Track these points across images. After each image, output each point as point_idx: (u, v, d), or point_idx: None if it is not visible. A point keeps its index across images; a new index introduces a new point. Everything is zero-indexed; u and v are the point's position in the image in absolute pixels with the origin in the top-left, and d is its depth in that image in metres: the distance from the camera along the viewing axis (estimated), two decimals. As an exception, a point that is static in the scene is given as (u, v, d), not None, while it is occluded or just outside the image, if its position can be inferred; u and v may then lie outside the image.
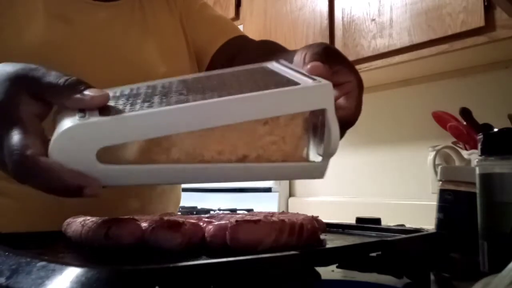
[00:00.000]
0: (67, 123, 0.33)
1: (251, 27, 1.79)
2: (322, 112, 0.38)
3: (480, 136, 0.50)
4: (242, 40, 0.80)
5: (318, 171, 0.41)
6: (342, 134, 0.41)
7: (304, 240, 0.41)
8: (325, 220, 0.50)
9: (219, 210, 1.74)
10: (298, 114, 0.38)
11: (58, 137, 0.33)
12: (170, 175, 0.36)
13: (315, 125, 0.40)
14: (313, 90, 0.37)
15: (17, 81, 0.36)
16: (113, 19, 0.68)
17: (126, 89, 0.40)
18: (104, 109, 0.34)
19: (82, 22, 0.64)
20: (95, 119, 0.33)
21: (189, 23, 0.79)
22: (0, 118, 0.35)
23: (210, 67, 0.77)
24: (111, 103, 0.36)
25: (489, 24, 1.14)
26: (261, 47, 0.78)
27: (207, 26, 0.80)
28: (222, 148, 0.37)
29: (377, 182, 1.68)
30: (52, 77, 0.36)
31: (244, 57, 0.75)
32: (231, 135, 0.37)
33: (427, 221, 0.78)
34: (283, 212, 0.54)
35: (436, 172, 1.23)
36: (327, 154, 0.39)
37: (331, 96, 0.37)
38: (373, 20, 1.39)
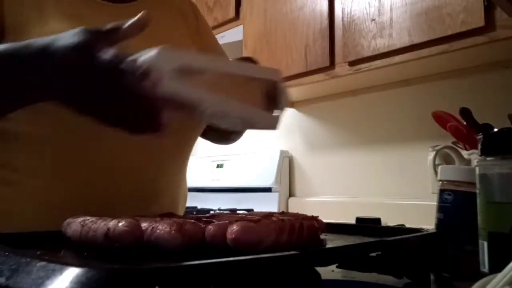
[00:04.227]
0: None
1: (251, 27, 1.79)
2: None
3: (480, 136, 0.50)
4: None
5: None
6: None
7: (304, 240, 0.41)
8: (325, 220, 0.50)
9: (219, 210, 1.74)
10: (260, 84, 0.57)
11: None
12: None
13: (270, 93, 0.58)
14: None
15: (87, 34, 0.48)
16: (117, 19, 0.70)
17: None
18: None
19: (90, 20, 0.68)
20: None
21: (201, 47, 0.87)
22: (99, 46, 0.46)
23: None
24: None
25: (489, 24, 1.14)
26: None
27: None
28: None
29: (377, 182, 1.68)
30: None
31: None
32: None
33: (427, 221, 0.78)
34: (283, 212, 0.54)
35: (436, 172, 1.22)
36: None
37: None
38: (373, 20, 1.39)
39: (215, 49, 0.93)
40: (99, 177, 0.67)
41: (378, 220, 1.07)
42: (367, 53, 1.39)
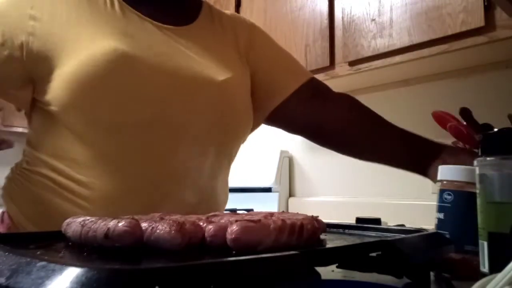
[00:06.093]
0: None
1: (251, 27, 1.79)
2: None
3: (480, 136, 0.50)
4: (314, 83, 0.92)
5: None
6: None
7: (304, 240, 0.41)
8: (325, 220, 0.50)
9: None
10: None
11: None
12: None
13: None
14: None
15: None
16: (169, 39, 0.79)
17: None
18: None
19: (141, 38, 0.75)
20: None
21: (257, 59, 0.90)
22: None
23: (284, 106, 0.89)
24: None
25: (489, 24, 1.14)
26: (344, 100, 0.95)
27: (280, 69, 0.91)
28: None
29: (377, 182, 1.68)
30: None
31: (328, 106, 0.93)
32: None
33: (427, 221, 0.78)
34: (283, 212, 0.54)
35: (436, 172, 1.22)
36: None
37: None
38: (373, 20, 1.39)
39: (269, 61, 0.93)
40: (163, 176, 0.73)
41: (378, 220, 1.07)
42: (367, 53, 1.39)
